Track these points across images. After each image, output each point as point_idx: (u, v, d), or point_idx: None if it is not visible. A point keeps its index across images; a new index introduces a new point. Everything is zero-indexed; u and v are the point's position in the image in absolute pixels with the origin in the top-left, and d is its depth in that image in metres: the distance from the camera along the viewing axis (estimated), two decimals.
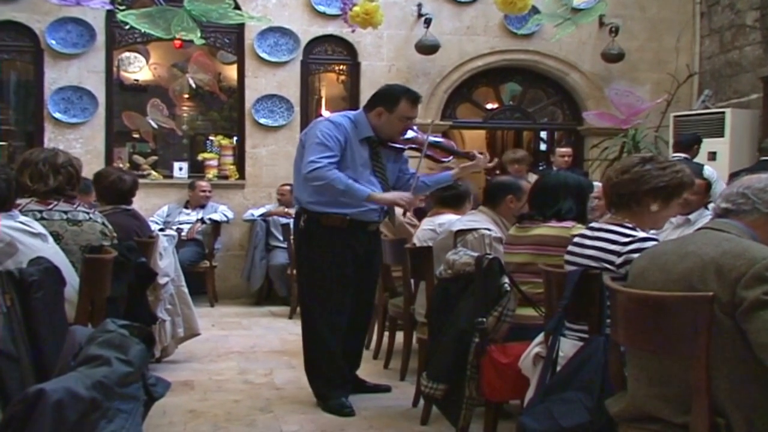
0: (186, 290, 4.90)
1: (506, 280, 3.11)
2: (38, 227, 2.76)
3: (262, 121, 7.71)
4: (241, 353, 5.23)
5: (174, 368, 4.66)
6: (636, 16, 8.34)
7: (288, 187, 7.15)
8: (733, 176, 5.64)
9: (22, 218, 2.74)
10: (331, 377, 3.91)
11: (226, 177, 7.76)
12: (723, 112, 7.45)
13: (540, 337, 2.75)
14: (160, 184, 7.63)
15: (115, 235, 3.32)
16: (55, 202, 3.10)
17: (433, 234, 4.40)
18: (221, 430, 3.56)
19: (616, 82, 8.14)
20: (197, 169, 7.88)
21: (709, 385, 1.87)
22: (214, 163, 7.79)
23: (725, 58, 7.96)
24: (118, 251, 3.09)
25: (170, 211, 7.42)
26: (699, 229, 2.23)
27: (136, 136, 8.27)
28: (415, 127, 4.13)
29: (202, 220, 7.31)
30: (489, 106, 8.79)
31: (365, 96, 3.99)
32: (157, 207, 7.42)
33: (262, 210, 7.52)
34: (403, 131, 3.99)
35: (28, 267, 2.35)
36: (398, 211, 4.70)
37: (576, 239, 2.81)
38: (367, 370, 4.42)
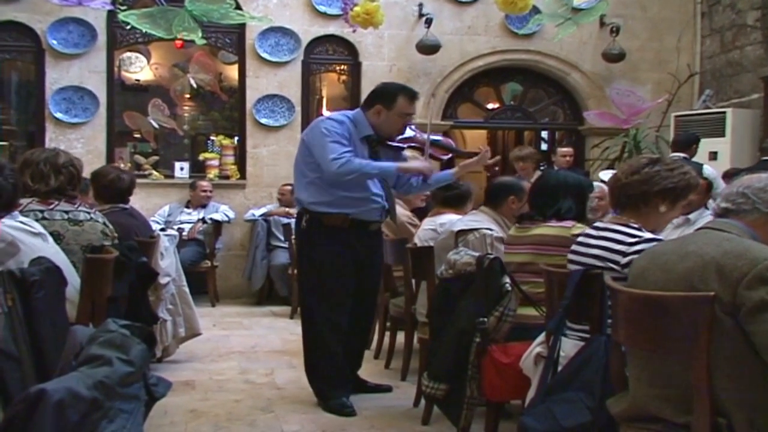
0: (187, 290, 4.90)
1: (507, 280, 3.11)
2: (38, 227, 2.76)
3: (263, 121, 7.72)
4: (242, 353, 5.23)
5: (175, 368, 4.66)
6: (637, 16, 8.34)
7: (289, 187, 7.14)
8: (730, 175, 5.65)
9: (22, 218, 2.74)
10: (331, 377, 3.91)
11: (227, 177, 7.76)
12: (724, 112, 7.45)
13: (541, 337, 2.75)
14: (161, 184, 7.63)
15: (116, 235, 3.32)
16: (56, 202, 3.10)
17: (434, 234, 4.40)
18: (222, 429, 3.56)
19: (617, 81, 8.14)
20: (198, 169, 7.89)
21: (710, 385, 1.87)
22: (215, 163, 7.79)
23: (726, 58, 7.95)
24: (120, 251, 3.09)
25: (171, 210, 7.43)
26: (699, 228, 2.23)
27: (137, 136, 8.27)
28: (413, 126, 4.13)
29: (203, 220, 7.31)
30: (490, 106, 8.79)
31: (366, 96, 4.01)
32: (158, 207, 7.43)
33: (263, 210, 7.52)
34: (401, 129, 3.99)
35: (29, 267, 2.35)
36: (400, 210, 4.71)
37: (580, 239, 2.81)
38: (368, 370, 4.42)
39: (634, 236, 2.57)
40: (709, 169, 5.75)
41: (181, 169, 7.81)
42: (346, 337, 3.97)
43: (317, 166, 3.82)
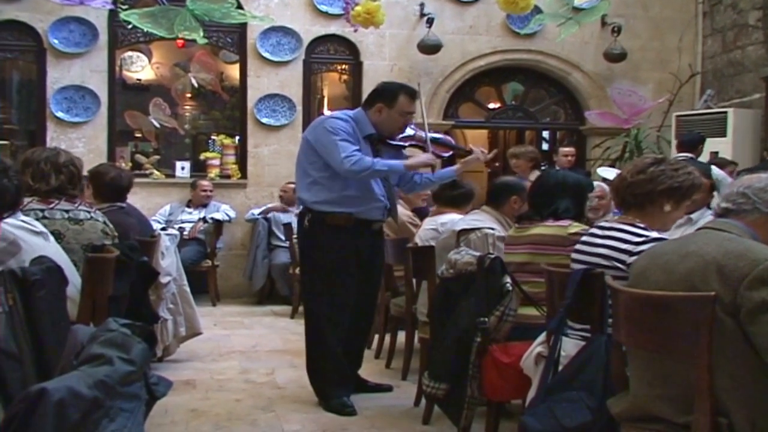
0: (188, 289, 4.90)
1: (508, 279, 3.11)
2: (39, 226, 2.76)
3: (264, 120, 7.72)
4: (242, 352, 5.23)
5: (176, 367, 4.67)
6: (638, 16, 8.33)
7: (291, 185, 7.14)
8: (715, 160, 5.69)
9: (23, 217, 2.74)
10: (333, 376, 3.91)
11: (228, 176, 7.76)
12: (725, 112, 7.44)
13: (542, 337, 2.75)
14: (162, 184, 7.63)
15: (116, 234, 3.32)
16: (57, 201, 3.11)
17: (435, 233, 4.40)
18: (223, 429, 3.56)
19: (618, 81, 8.14)
20: (199, 168, 7.89)
21: (711, 384, 1.87)
22: (216, 162, 7.79)
23: (727, 58, 7.95)
24: (120, 250, 3.09)
25: (172, 210, 7.43)
26: (700, 228, 2.23)
27: (138, 135, 8.28)
28: (413, 125, 4.15)
29: (204, 220, 7.32)
30: (491, 105, 8.78)
31: (367, 95, 4.03)
32: (159, 206, 7.43)
33: (262, 208, 7.53)
34: (402, 127, 4.01)
35: (30, 266, 2.35)
36: (400, 210, 4.70)
37: (585, 238, 2.82)
38: (369, 369, 4.42)
39: (640, 235, 2.58)
40: (717, 170, 5.74)
41: (182, 168, 7.81)
42: (347, 336, 3.98)
43: (321, 165, 3.83)
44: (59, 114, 7.28)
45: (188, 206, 7.49)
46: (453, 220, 4.25)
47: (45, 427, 1.62)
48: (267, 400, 4.03)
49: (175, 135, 8.41)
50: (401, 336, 4.64)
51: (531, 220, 3.36)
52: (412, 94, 3.95)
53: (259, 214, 7.45)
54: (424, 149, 4.09)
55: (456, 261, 3.32)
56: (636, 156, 7.52)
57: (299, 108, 7.78)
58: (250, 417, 3.74)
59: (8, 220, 2.59)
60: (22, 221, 2.69)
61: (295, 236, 6.50)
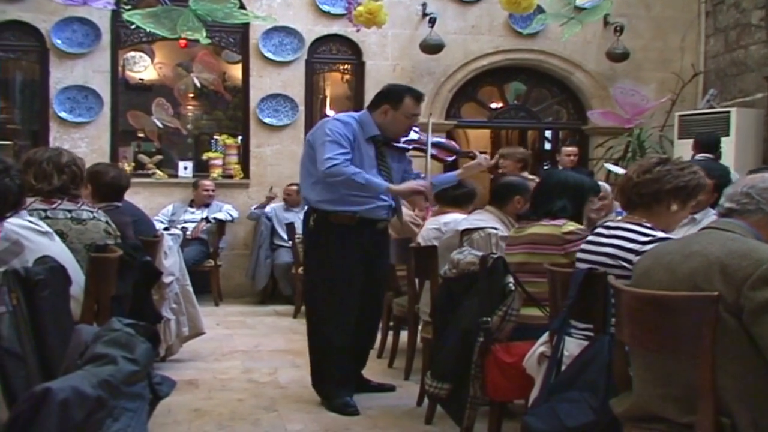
0: (191, 289, 4.91)
1: (511, 279, 3.11)
2: (44, 226, 2.77)
3: (266, 120, 7.72)
4: (245, 352, 5.24)
5: (179, 367, 4.67)
6: (641, 15, 8.32)
7: (294, 187, 7.16)
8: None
9: (29, 217, 2.75)
10: (336, 376, 3.91)
11: (230, 176, 7.77)
12: (728, 112, 7.42)
13: (544, 337, 2.75)
14: (164, 184, 7.64)
15: (118, 233, 3.33)
16: (59, 201, 3.11)
17: (438, 233, 4.40)
18: (226, 428, 3.57)
19: (620, 81, 8.12)
20: (202, 168, 7.89)
21: (714, 385, 1.87)
22: (219, 162, 7.80)
23: (730, 58, 7.93)
24: (123, 250, 3.10)
25: (175, 210, 7.44)
26: (703, 228, 2.23)
27: (141, 135, 8.28)
28: (417, 128, 4.17)
29: (206, 219, 7.33)
30: (493, 105, 8.77)
31: (370, 95, 4.04)
32: (161, 206, 7.44)
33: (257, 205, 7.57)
34: (407, 129, 4.03)
35: (33, 266, 2.36)
36: (403, 210, 4.70)
37: (591, 237, 2.82)
38: (372, 369, 4.42)
39: (647, 235, 2.59)
40: (735, 175, 5.70)
41: (185, 168, 7.81)
42: (352, 336, 3.98)
43: None
44: (62, 114, 7.29)
45: (191, 206, 7.50)
46: (456, 219, 4.25)
47: (49, 427, 1.63)
48: (270, 400, 4.04)
49: (177, 135, 8.42)
50: (404, 335, 4.65)
51: (529, 220, 3.37)
52: (418, 97, 3.99)
53: (255, 209, 7.47)
54: (424, 152, 4.11)
55: (459, 261, 3.32)
56: (639, 156, 7.52)
57: (301, 108, 7.78)
58: (252, 417, 3.74)
59: (14, 220, 2.60)
60: (29, 221, 2.70)
61: (297, 236, 6.52)
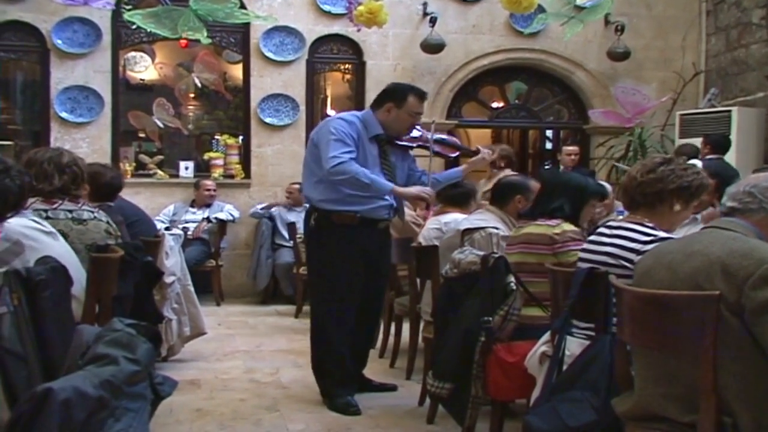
0: (192, 289, 4.91)
1: (512, 279, 3.11)
2: (48, 226, 2.77)
3: (267, 120, 7.72)
4: (247, 352, 5.24)
5: (180, 367, 4.67)
6: (642, 15, 8.32)
7: (297, 186, 7.15)
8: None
9: (34, 217, 2.75)
10: (337, 376, 3.92)
11: (231, 176, 7.77)
12: (729, 111, 7.42)
13: (546, 336, 2.75)
14: (166, 184, 7.64)
15: (119, 233, 3.33)
16: (60, 202, 3.11)
17: (439, 233, 4.40)
18: (227, 428, 3.57)
19: (621, 80, 8.12)
20: (203, 168, 7.90)
21: (715, 384, 1.87)
22: (220, 162, 7.80)
23: (731, 57, 7.93)
24: (125, 250, 3.10)
25: (176, 210, 7.44)
26: (705, 227, 2.23)
27: (142, 135, 8.28)
28: (419, 126, 4.18)
29: (208, 219, 7.33)
30: (495, 104, 8.77)
31: (371, 95, 4.05)
32: (163, 206, 7.44)
33: (265, 204, 7.56)
34: (410, 128, 4.04)
35: (35, 266, 2.36)
36: (406, 210, 4.71)
37: (593, 237, 2.82)
38: (373, 368, 4.41)
39: (648, 235, 2.59)
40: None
41: (186, 168, 7.81)
42: (352, 335, 3.98)
43: None
44: (63, 114, 7.30)
45: (192, 206, 7.50)
46: (457, 219, 4.25)
47: (51, 427, 1.63)
48: (271, 400, 4.04)
49: (178, 135, 8.41)
50: (405, 335, 4.64)
51: (526, 219, 3.38)
52: (422, 95, 4.01)
53: (261, 209, 7.47)
54: (428, 149, 4.12)
55: (460, 260, 3.32)
56: (640, 155, 7.52)
57: (302, 108, 7.78)
58: (254, 416, 3.74)
59: (19, 220, 2.60)
60: (33, 221, 2.70)
61: (298, 236, 6.52)
